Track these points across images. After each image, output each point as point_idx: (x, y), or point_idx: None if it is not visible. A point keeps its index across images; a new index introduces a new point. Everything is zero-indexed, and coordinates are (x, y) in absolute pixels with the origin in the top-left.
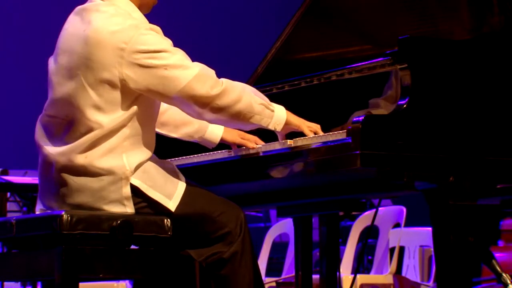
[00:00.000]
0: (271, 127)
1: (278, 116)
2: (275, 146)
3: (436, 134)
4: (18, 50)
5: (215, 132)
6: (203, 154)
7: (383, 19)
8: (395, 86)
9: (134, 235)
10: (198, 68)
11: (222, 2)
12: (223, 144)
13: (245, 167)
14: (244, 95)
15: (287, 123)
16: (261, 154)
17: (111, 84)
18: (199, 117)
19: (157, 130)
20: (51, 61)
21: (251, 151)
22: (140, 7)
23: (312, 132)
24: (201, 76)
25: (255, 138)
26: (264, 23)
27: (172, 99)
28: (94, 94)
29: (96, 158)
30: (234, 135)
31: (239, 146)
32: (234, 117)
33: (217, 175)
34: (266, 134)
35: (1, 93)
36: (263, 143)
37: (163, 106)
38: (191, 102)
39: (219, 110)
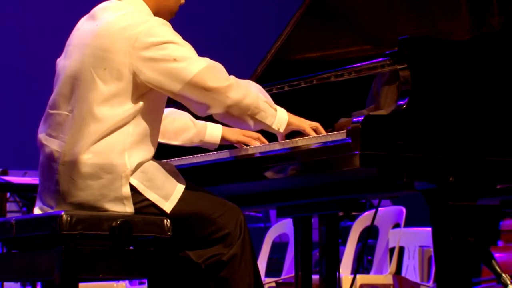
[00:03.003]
0: (274, 126)
1: (280, 116)
2: (275, 146)
3: (436, 134)
4: (18, 50)
5: (215, 133)
6: (203, 154)
7: (383, 19)
8: (377, 98)
9: (133, 235)
10: (208, 61)
11: (222, 2)
12: (225, 144)
13: (244, 168)
14: (251, 90)
15: (288, 124)
16: (260, 155)
17: (120, 75)
18: (207, 111)
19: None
20: (59, 60)
21: (250, 151)
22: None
23: (313, 132)
24: (211, 67)
25: (258, 135)
26: (264, 23)
27: (180, 92)
28: (102, 84)
29: (98, 154)
30: (236, 133)
31: (243, 144)
32: (242, 111)
33: (216, 176)
34: (266, 135)
35: (1, 94)
36: (266, 141)
37: None
38: (201, 94)
39: (229, 103)
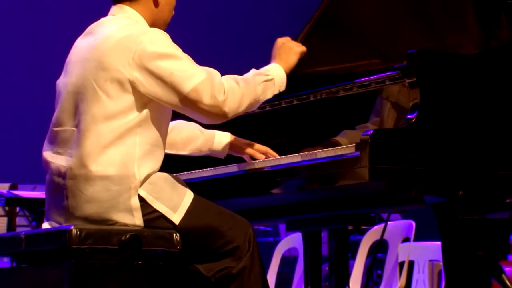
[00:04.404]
0: (277, 92)
1: (279, 79)
2: (284, 160)
3: (445, 148)
4: (27, 64)
5: (223, 141)
6: (211, 168)
7: (392, 33)
8: (381, 111)
9: (143, 250)
10: (204, 74)
11: (230, 16)
12: (233, 158)
13: (254, 182)
14: (247, 88)
15: (288, 70)
16: (269, 169)
17: (121, 86)
18: (208, 121)
19: (167, 151)
20: (59, 80)
21: (260, 165)
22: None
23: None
24: (207, 81)
25: (266, 149)
26: (272, 38)
27: (179, 104)
28: (104, 96)
29: (107, 166)
30: (244, 145)
31: (250, 156)
32: (243, 111)
33: (225, 189)
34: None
35: (11, 107)
36: (274, 153)
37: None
38: (197, 108)
39: (227, 114)
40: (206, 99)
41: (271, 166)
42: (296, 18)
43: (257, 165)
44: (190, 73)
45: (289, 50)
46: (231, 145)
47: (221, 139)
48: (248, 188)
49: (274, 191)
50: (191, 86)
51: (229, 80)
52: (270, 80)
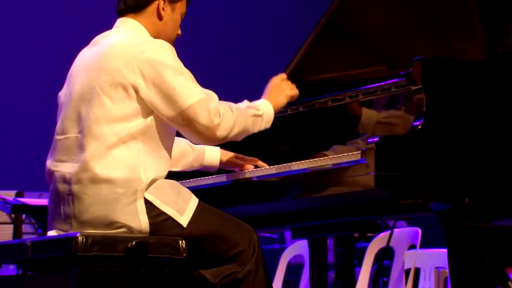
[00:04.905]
0: (264, 128)
1: (267, 117)
2: (290, 167)
3: (451, 155)
4: (32, 71)
5: (214, 156)
6: (216, 175)
7: (398, 40)
8: (369, 128)
9: (149, 257)
10: (203, 94)
11: (236, 24)
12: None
13: (258, 189)
14: (238, 116)
15: (276, 110)
16: (274, 176)
17: (125, 91)
18: (198, 142)
19: None
20: (61, 92)
21: (266, 172)
22: None
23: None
24: (204, 102)
25: (256, 160)
26: (278, 44)
27: (174, 119)
28: (109, 101)
29: (113, 169)
30: (233, 158)
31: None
32: (232, 138)
33: (230, 197)
34: (274, 157)
35: (16, 115)
36: (264, 164)
37: None
38: (191, 127)
39: (216, 139)
40: (202, 119)
41: (277, 174)
42: (302, 24)
43: (264, 172)
44: (190, 90)
45: (281, 91)
46: (221, 159)
47: (212, 154)
48: (253, 196)
49: (280, 198)
50: (190, 103)
51: (224, 105)
52: (260, 115)
